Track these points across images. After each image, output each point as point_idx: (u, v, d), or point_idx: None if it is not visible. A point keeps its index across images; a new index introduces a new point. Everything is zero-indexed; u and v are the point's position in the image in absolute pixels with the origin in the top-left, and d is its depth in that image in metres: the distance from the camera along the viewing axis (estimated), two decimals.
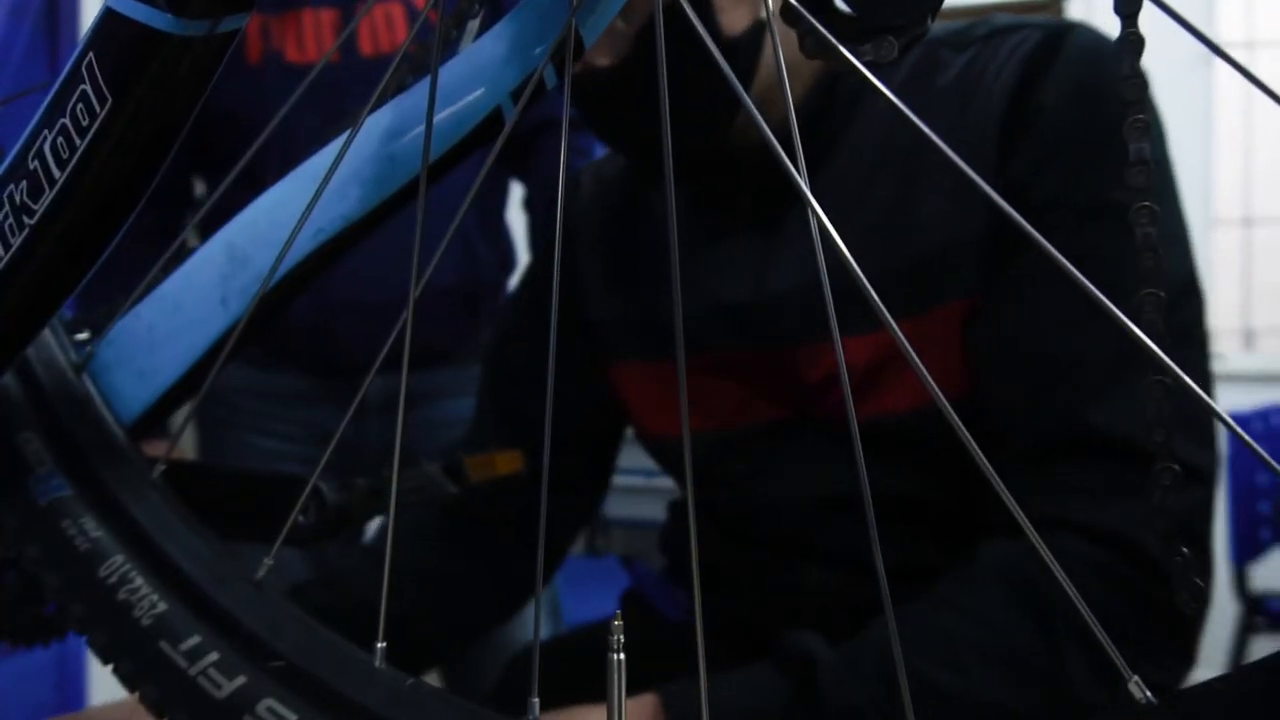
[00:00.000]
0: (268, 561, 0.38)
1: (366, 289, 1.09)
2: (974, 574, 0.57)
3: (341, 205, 0.41)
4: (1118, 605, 0.54)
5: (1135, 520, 0.54)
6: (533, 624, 0.33)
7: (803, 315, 0.65)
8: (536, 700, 0.33)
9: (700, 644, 0.30)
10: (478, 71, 0.40)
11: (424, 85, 0.42)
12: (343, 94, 1.08)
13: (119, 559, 0.38)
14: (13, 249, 0.33)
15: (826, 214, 0.66)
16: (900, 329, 0.62)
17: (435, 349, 1.19)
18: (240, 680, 0.36)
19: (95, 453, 0.40)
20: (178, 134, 0.31)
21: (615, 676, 0.31)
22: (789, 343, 0.66)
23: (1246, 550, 1.91)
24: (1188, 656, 0.56)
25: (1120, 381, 0.56)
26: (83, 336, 0.48)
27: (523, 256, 1.25)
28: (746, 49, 0.60)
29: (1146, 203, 0.35)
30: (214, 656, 0.36)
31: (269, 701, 0.35)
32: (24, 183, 0.32)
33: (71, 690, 1.92)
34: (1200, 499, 0.57)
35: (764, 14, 0.60)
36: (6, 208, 0.33)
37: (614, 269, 0.77)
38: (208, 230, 1.21)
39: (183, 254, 0.46)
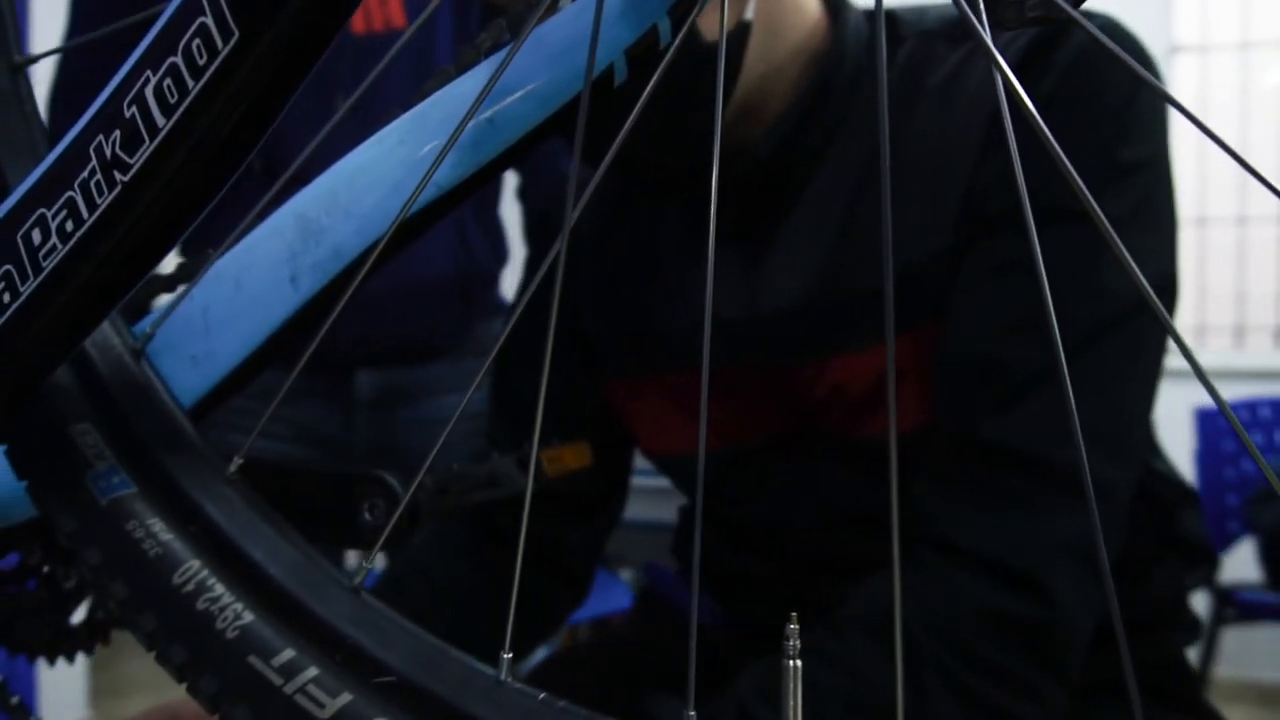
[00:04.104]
0: (366, 565, 0.34)
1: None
2: (844, 618, 0.55)
3: (434, 172, 0.38)
4: (996, 641, 0.52)
5: (1023, 542, 0.53)
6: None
7: (802, 332, 0.63)
8: (694, 714, 0.30)
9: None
10: (590, 28, 0.36)
11: (524, 44, 0.38)
12: (333, 73, 1.03)
13: (195, 564, 0.34)
14: (99, 209, 0.28)
15: (818, 223, 0.64)
16: (902, 342, 0.61)
17: (429, 344, 1.15)
18: (345, 698, 0.32)
19: (161, 446, 0.36)
20: (304, 77, 0.27)
21: (792, 684, 0.29)
22: (789, 360, 0.64)
23: (1216, 543, 1.95)
24: (1067, 682, 0.54)
25: (1036, 393, 0.54)
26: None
27: (516, 249, 1.22)
28: (727, 55, 0.56)
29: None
30: (313, 672, 0.32)
31: None
32: (117, 134, 0.28)
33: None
34: (1101, 518, 0.54)
35: (747, 15, 0.57)
36: (94, 162, 0.28)
37: (603, 282, 0.73)
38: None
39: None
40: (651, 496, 0.81)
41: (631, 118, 0.33)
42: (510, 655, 0.32)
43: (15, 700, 0.48)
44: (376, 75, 0.39)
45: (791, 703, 0.29)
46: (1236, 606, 1.91)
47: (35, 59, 0.39)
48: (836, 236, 0.62)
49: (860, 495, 0.64)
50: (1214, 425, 2.02)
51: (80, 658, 0.49)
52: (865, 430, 0.63)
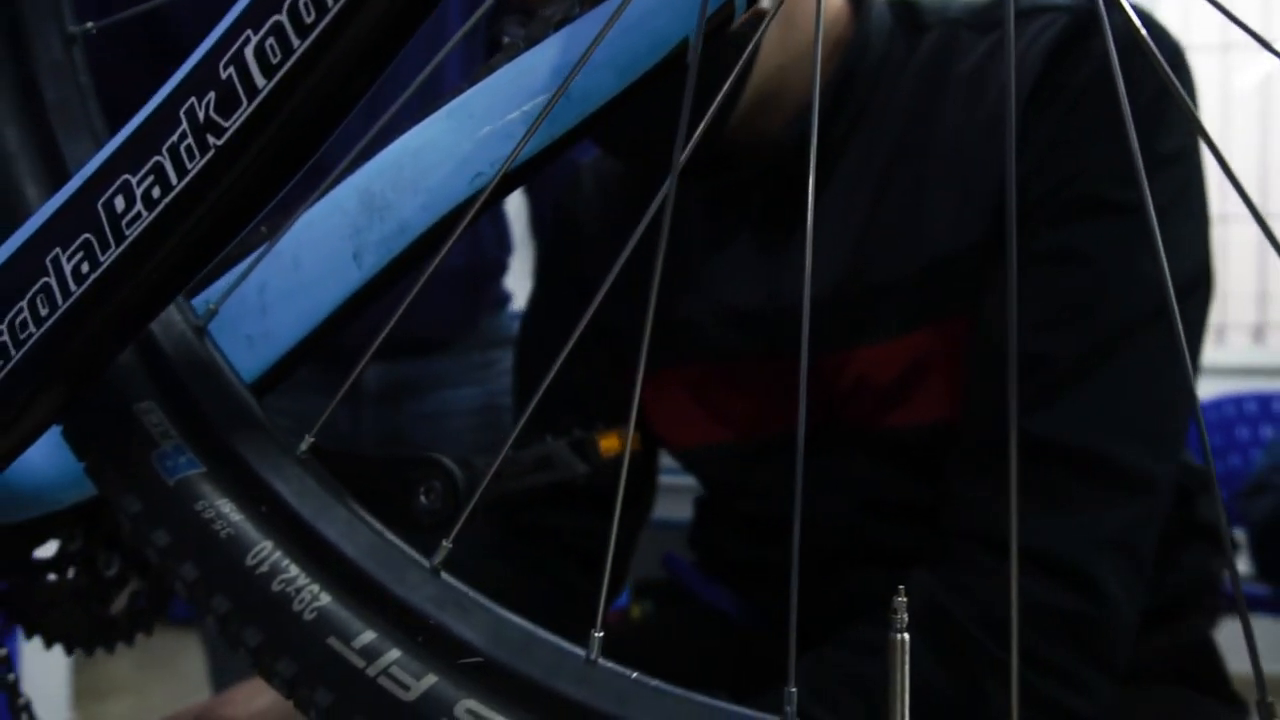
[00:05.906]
0: (446, 544, 0.33)
1: None
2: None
3: (506, 147, 0.37)
4: (1051, 636, 0.52)
5: (1065, 535, 0.53)
6: None
7: (826, 323, 0.62)
8: (794, 690, 0.29)
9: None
10: None
11: (596, 16, 0.38)
12: None
13: (268, 545, 0.33)
14: (190, 174, 0.28)
15: (842, 214, 0.63)
16: (921, 335, 0.60)
17: (435, 336, 1.13)
18: (430, 680, 0.31)
19: (228, 425, 0.35)
20: (409, 38, 0.27)
21: (899, 657, 0.28)
22: (812, 351, 0.63)
23: None
24: (1116, 677, 0.54)
25: (1077, 386, 0.54)
26: None
27: (519, 242, 1.21)
28: (741, 42, 0.55)
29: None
30: (395, 654, 0.32)
31: (468, 703, 0.31)
32: (211, 95, 0.27)
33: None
34: (1141, 510, 0.54)
35: (764, 4, 0.57)
36: (184, 126, 0.27)
37: (624, 272, 0.73)
38: None
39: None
40: None
41: (716, 103, 0.32)
42: (601, 634, 0.31)
43: (23, 702, 0.47)
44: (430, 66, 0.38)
45: (898, 675, 0.28)
46: (1227, 599, 1.92)
47: (90, 29, 0.38)
48: (861, 227, 0.61)
49: (883, 487, 0.64)
50: (1203, 421, 2.04)
51: (64, 659, 0.48)
52: (888, 422, 0.62)
